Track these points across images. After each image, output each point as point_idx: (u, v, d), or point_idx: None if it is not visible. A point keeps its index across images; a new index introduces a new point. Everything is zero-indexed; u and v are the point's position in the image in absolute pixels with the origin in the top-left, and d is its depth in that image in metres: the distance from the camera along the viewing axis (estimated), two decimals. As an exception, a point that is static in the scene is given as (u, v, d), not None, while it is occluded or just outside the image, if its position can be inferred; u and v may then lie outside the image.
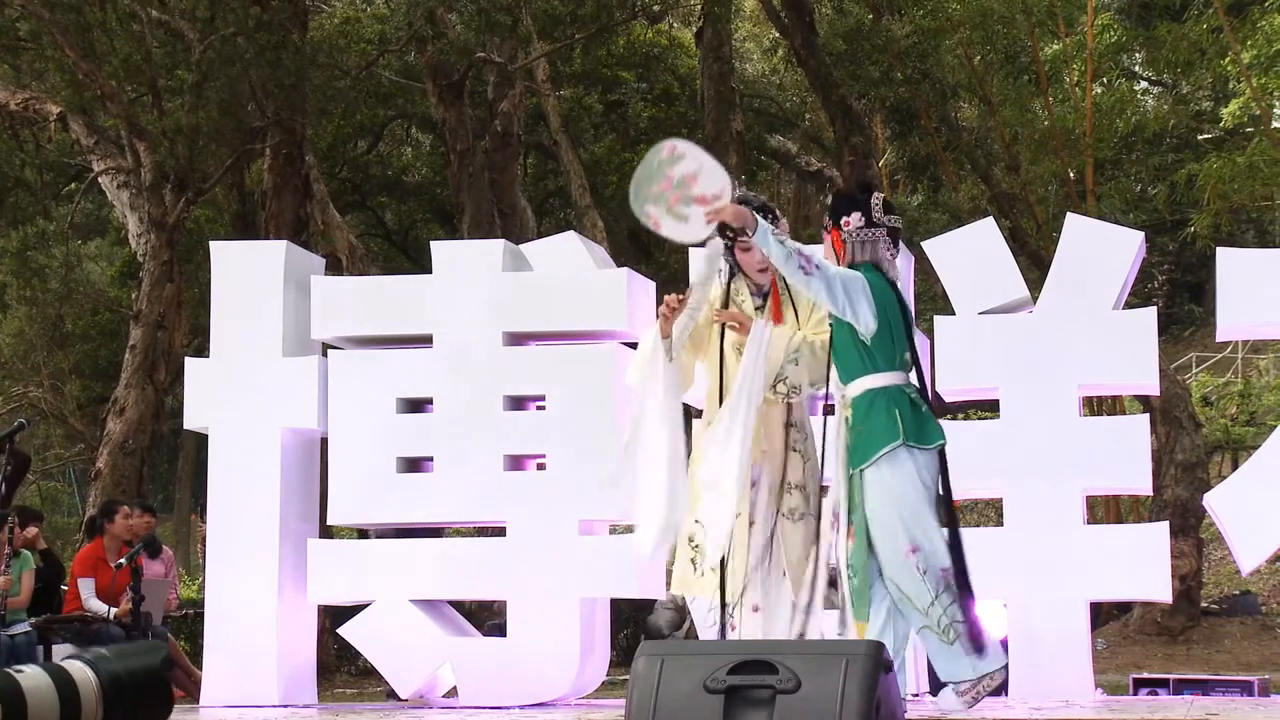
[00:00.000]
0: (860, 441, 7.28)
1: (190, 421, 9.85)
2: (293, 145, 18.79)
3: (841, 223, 7.41)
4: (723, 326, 7.64)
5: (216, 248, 10.14)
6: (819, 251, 7.40)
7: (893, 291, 7.38)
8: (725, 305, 7.69)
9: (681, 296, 7.45)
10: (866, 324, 7.19)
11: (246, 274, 9.77)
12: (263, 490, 9.49)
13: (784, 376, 7.54)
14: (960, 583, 7.20)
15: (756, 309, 7.67)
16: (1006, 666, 7.42)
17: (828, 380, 7.49)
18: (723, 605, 7.43)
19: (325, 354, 9.68)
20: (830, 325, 7.40)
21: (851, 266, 7.31)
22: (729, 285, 7.73)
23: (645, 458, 7.45)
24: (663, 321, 7.46)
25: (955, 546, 7.24)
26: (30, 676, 4.69)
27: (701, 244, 7.44)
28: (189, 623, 14.22)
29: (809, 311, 7.66)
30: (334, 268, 18.14)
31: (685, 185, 6.94)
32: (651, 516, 7.46)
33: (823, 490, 7.58)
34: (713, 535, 7.36)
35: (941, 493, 7.30)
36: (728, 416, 7.39)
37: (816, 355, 7.53)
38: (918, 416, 7.28)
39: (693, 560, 7.54)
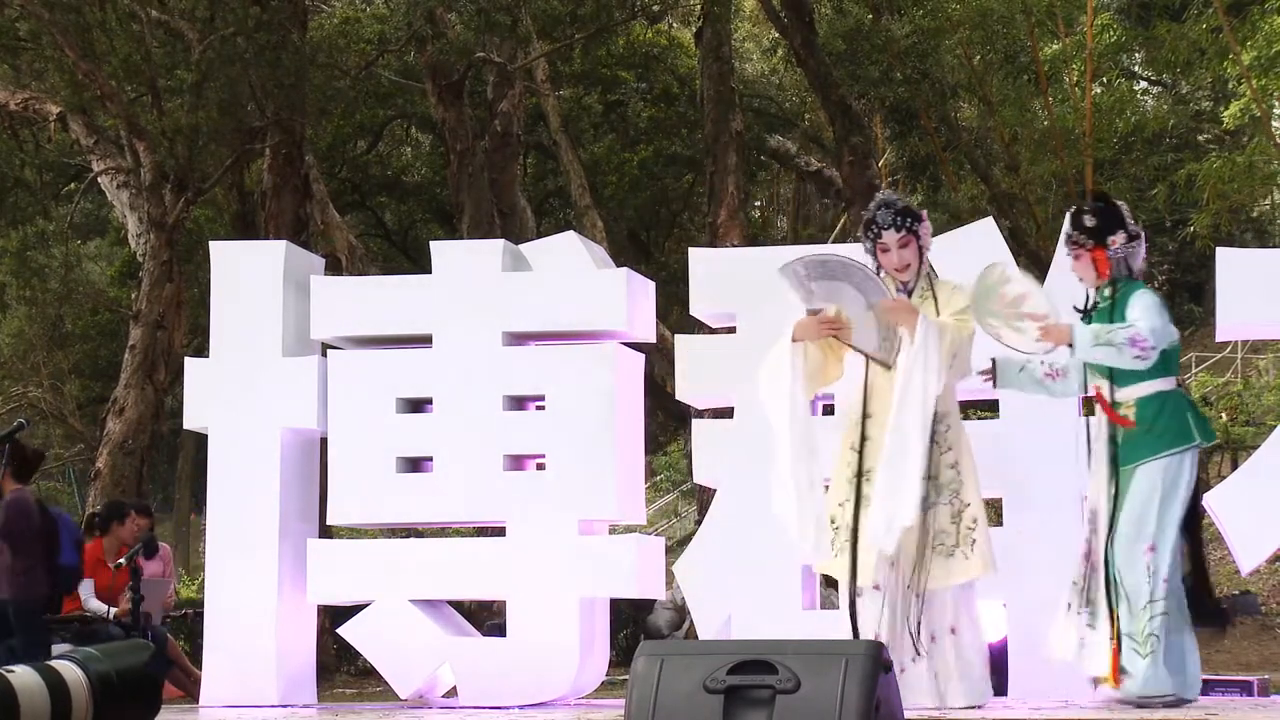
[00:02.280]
0: (1147, 440, 7.62)
1: (190, 421, 9.84)
2: (292, 145, 18.79)
3: (1109, 242, 7.77)
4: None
5: (216, 248, 10.14)
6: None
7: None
8: None
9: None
10: (1173, 341, 7.66)
11: (246, 274, 9.76)
12: (262, 490, 9.49)
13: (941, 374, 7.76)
14: (1176, 605, 7.67)
15: None
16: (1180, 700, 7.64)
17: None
18: (853, 586, 7.67)
19: (325, 354, 9.67)
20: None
21: (1113, 281, 7.76)
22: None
23: (785, 461, 7.83)
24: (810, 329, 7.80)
25: (1196, 562, 7.84)
26: (21, 676, 4.69)
27: (1031, 352, 7.85)
28: (188, 622, 14.20)
29: (948, 303, 7.89)
30: (334, 268, 18.16)
31: (1018, 304, 7.62)
32: (795, 511, 7.79)
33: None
34: (870, 525, 7.64)
35: (1191, 500, 7.72)
36: (900, 413, 7.63)
37: (964, 348, 7.81)
38: (1200, 417, 7.76)
39: (831, 541, 7.78)
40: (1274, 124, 22.10)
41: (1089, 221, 7.83)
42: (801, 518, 7.75)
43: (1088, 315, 7.80)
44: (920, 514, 7.59)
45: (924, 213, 8.03)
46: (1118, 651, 7.54)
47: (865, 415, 7.83)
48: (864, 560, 7.67)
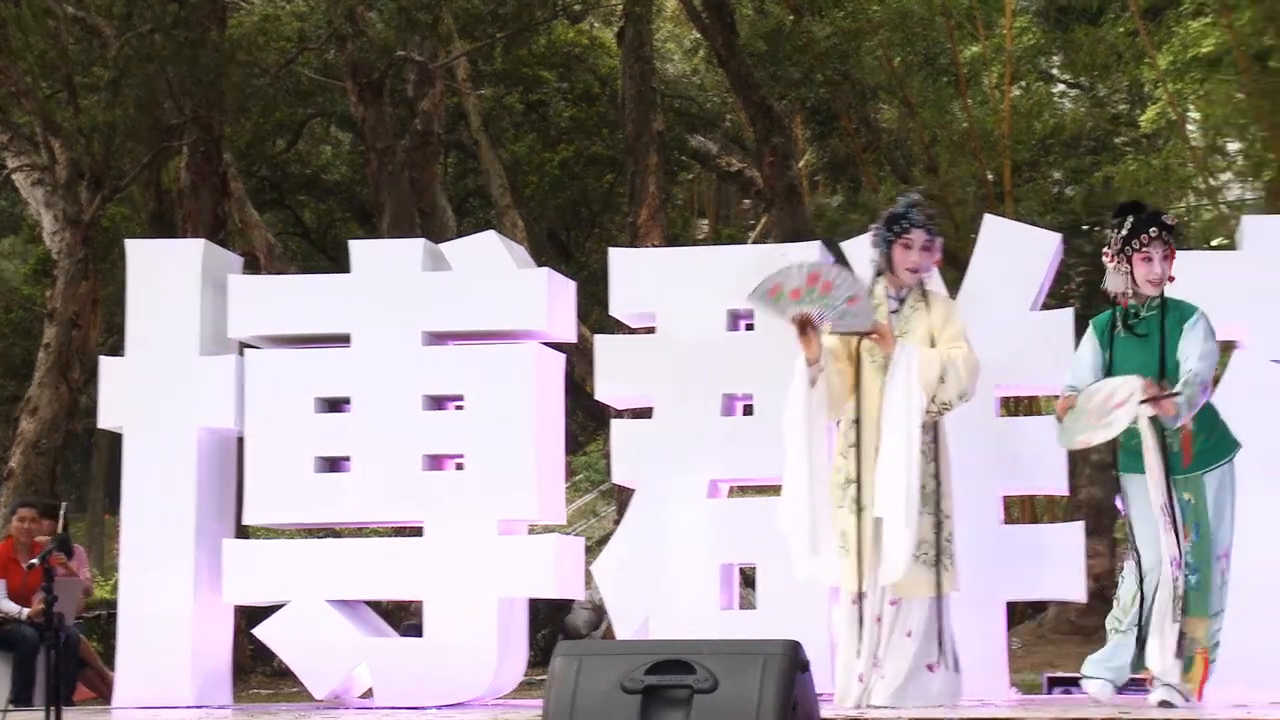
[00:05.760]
0: (1209, 448, 7.61)
1: (104, 421, 9.77)
2: (210, 143, 18.64)
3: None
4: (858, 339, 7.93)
5: (132, 246, 10.07)
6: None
7: None
8: None
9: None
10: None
11: (163, 272, 9.70)
12: (178, 490, 9.43)
13: (935, 396, 7.81)
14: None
15: (892, 313, 7.97)
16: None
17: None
18: (859, 594, 7.81)
19: (242, 353, 9.62)
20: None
21: (1161, 294, 7.74)
22: (871, 286, 8.00)
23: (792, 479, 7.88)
24: (806, 343, 7.79)
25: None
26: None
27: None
28: (102, 623, 14.10)
29: (943, 325, 7.96)
30: (252, 266, 18.03)
31: (1104, 404, 7.51)
32: (801, 528, 7.83)
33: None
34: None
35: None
36: (891, 440, 7.73)
37: (961, 372, 7.83)
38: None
39: (842, 547, 7.88)
40: (1189, 128, 22.26)
41: (1171, 220, 7.83)
42: (815, 536, 7.81)
43: (1129, 330, 7.75)
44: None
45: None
46: (1207, 661, 7.57)
47: (856, 419, 7.91)
48: (851, 566, 7.83)
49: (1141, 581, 7.61)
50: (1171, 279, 7.75)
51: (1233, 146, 22.80)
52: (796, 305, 7.71)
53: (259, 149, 25.59)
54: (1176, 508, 7.52)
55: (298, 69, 21.91)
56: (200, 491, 9.46)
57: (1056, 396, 7.86)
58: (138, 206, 22.93)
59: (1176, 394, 7.43)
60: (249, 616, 11.27)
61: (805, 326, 7.72)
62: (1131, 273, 7.73)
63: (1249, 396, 8.03)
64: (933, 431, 7.91)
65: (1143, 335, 7.70)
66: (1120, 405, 7.44)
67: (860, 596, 7.80)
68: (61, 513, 11.27)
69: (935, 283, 8.44)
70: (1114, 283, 7.79)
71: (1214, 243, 15.79)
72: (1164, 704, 7.53)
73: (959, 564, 7.96)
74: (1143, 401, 7.43)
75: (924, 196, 8.31)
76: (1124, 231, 7.72)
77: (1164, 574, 7.50)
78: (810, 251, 9.21)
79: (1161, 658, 7.53)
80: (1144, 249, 7.68)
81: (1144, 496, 7.61)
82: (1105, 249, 7.85)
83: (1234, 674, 7.76)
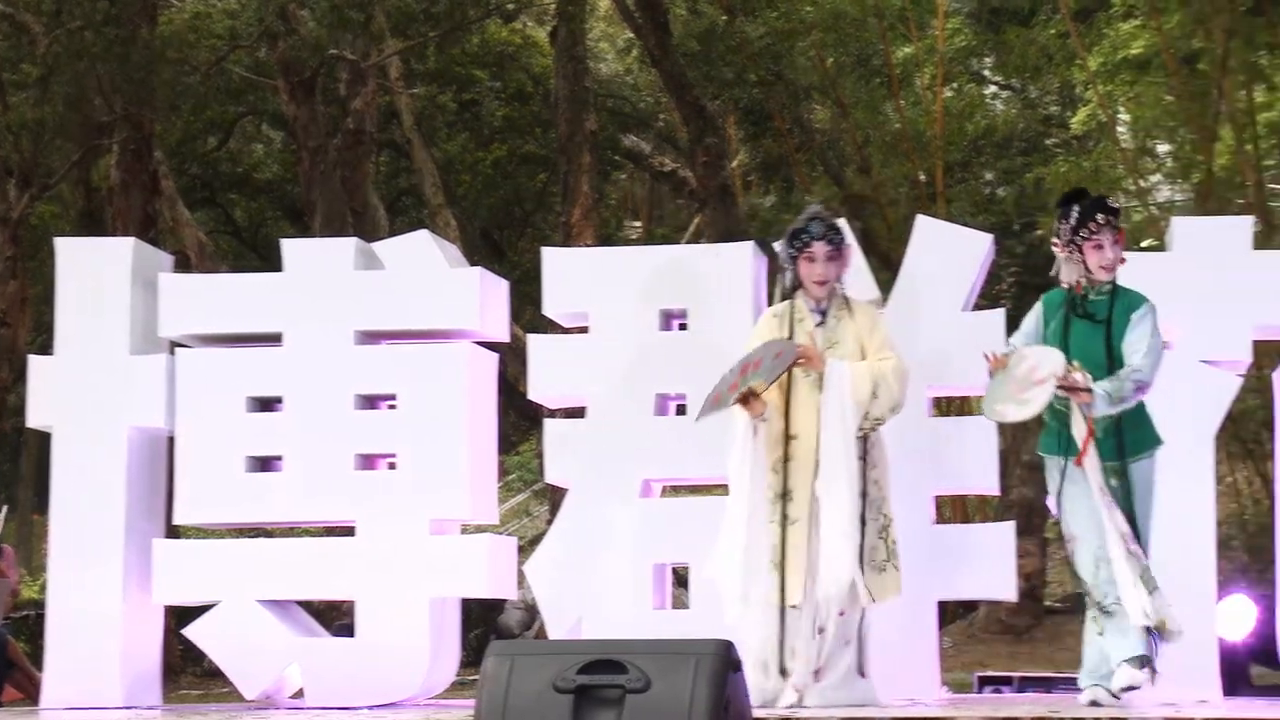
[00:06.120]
0: (1136, 438, 7.66)
1: (33, 420, 9.71)
2: (141, 141, 18.55)
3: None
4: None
5: (62, 244, 10.00)
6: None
7: None
8: (790, 321, 7.97)
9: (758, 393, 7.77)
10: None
11: (93, 271, 9.63)
12: (108, 489, 9.37)
13: (868, 413, 7.81)
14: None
15: (817, 325, 7.95)
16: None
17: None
18: (781, 603, 7.77)
19: (173, 352, 9.57)
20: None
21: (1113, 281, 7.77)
22: (792, 302, 8.01)
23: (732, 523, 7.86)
24: (752, 408, 7.78)
25: None
26: None
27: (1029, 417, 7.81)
28: (30, 623, 14.00)
29: (870, 333, 7.96)
30: (183, 265, 17.89)
31: (1028, 375, 7.51)
32: (734, 576, 7.82)
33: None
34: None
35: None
36: (829, 460, 7.74)
37: (892, 384, 7.83)
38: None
39: (771, 561, 7.85)
40: (1119, 130, 22.41)
41: (1114, 203, 7.83)
42: (746, 586, 7.79)
43: (1078, 311, 7.76)
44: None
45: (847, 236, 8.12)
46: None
47: (788, 435, 7.88)
48: (791, 581, 7.78)
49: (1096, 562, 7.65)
50: (1123, 261, 7.78)
51: (1162, 148, 22.97)
52: (739, 392, 7.74)
53: (190, 147, 25.45)
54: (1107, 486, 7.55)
55: (229, 67, 21.81)
56: (130, 491, 9.40)
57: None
58: (67, 204, 22.80)
59: (1089, 390, 7.45)
60: (179, 616, 11.24)
61: (748, 399, 7.75)
62: (1084, 261, 7.73)
63: (1176, 397, 8.08)
64: (872, 439, 7.93)
65: (1093, 319, 7.72)
66: (1040, 383, 7.45)
67: (786, 610, 7.78)
68: (2, 516, 11.22)
69: (867, 283, 8.47)
70: (1067, 272, 7.79)
71: (1144, 244, 15.85)
72: (1093, 704, 7.56)
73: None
74: (1059, 386, 7.45)
75: (825, 206, 8.31)
76: (1071, 221, 7.73)
77: (1116, 552, 7.49)
78: (742, 251, 9.25)
79: (1153, 601, 7.49)
80: (1094, 236, 7.68)
81: (1077, 479, 7.63)
82: (1054, 240, 7.85)
83: (1162, 673, 7.81)
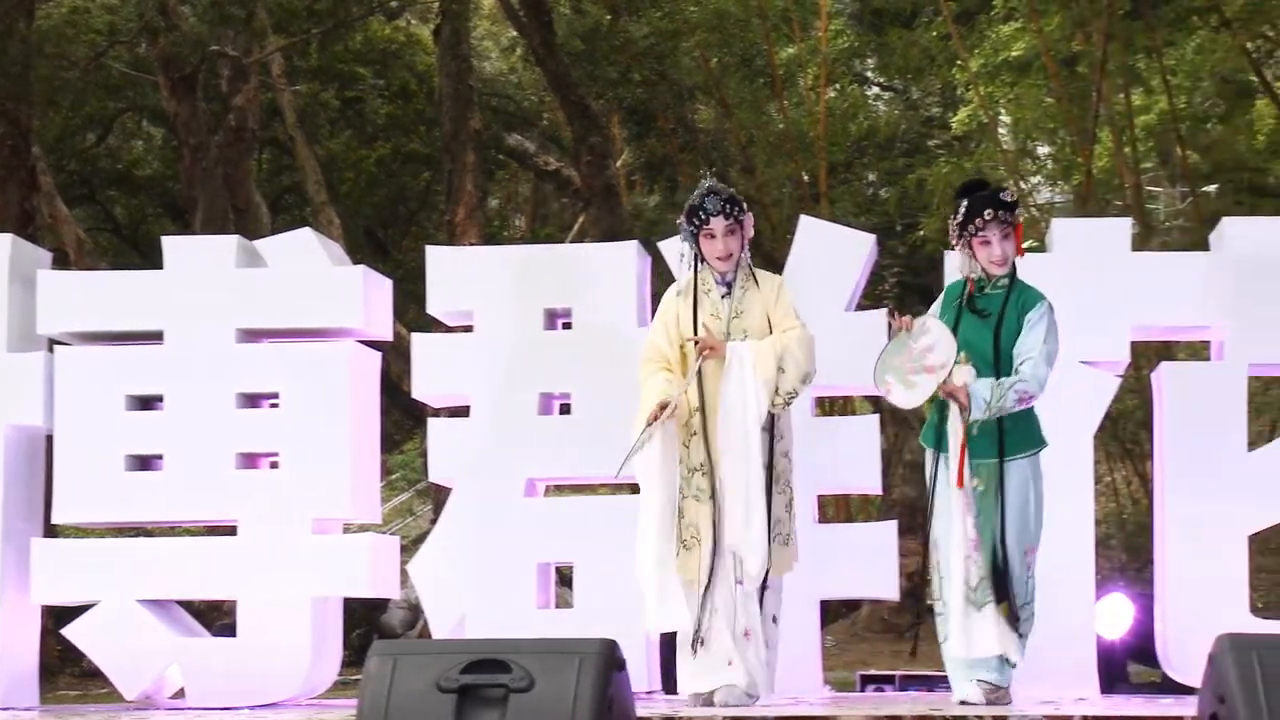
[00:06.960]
0: (1016, 436, 7.58)
1: (-93, 418, 9.56)
2: (18, 136, 18.30)
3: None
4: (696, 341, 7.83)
5: (-63, 240, 9.86)
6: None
7: None
8: (694, 297, 7.88)
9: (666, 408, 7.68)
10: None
11: (-31, 267, 9.51)
12: (-16, 488, 9.26)
13: (778, 388, 7.72)
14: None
15: (723, 298, 7.86)
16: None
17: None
18: (706, 585, 7.69)
19: (52, 350, 9.47)
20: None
21: (1011, 275, 7.75)
22: (696, 277, 7.91)
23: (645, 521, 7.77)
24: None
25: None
26: None
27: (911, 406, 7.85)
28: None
29: (775, 303, 7.88)
30: (61, 262, 17.70)
31: (922, 356, 7.46)
32: (650, 575, 7.73)
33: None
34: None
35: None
36: (740, 444, 7.67)
37: (798, 355, 7.75)
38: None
39: (693, 538, 7.77)
40: (1000, 131, 22.62)
41: (1009, 197, 7.75)
42: (662, 584, 7.73)
43: (970, 305, 7.72)
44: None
45: (744, 202, 8.01)
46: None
47: (701, 411, 7.81)
48: (703, 556, 7.73)
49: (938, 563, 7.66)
50: (1021, 253, 7.77)
51: (1043, 150, 23.23)
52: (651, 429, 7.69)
53: (68, 143, 25.20)
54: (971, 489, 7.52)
55: (108, 62, 21.64)
56: (7, 490, 9.28)
57: (871, 397, 7.91)
58: (-57, 201, 22.48)
59: (965, 406, 7.42)
60: (57, 616, 11.09)
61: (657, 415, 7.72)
62: (974, 255, 7.72)
63: (1057, 399, 8.15)
64: (780, 413, 7.87)
65: (983, 314, 7.67)
66: (929, 371, 7.43)
67: (708, 588, 7.69)
68: None
69: None
70: (962, 266, 7.80)
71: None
72: (963, 703, 7.57)
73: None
74: (942, 385, 7.45)
75: (720, 181, 8.21)
76: (960, 216, 7.70)
77: (954, 559, 7.50)
78: (627, 251, 9.26)
79: (1000, 639, 7.47)
80: (981, 232, 7.64)
81: (944, 474, 7.63)
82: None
83: (1041, 671, 7.88)
